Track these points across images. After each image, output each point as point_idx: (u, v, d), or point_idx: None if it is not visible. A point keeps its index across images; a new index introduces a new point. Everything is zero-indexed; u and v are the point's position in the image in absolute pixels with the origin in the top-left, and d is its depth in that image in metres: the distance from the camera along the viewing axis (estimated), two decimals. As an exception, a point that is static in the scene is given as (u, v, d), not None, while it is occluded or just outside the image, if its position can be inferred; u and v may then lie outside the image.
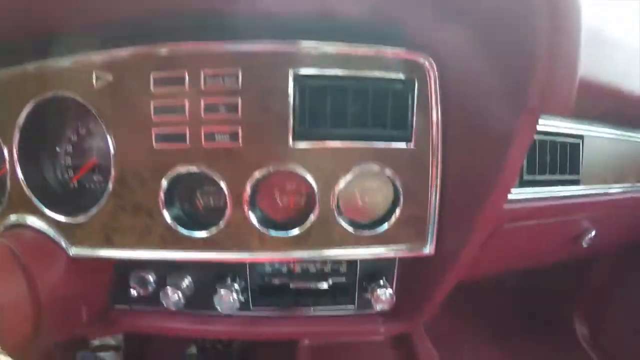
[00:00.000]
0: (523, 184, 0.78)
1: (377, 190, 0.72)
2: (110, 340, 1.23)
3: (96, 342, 1.21)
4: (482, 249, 0.82)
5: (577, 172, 0.84)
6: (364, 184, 0.72)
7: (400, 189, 0.70)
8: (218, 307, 0.77)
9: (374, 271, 0.82)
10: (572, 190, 0.84)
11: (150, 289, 0.81)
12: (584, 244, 0.94)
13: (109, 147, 0.69)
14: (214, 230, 0.70)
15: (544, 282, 1.46)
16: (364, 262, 0.81)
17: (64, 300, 0.71)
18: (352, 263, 0.82)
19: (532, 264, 1.07)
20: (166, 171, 0.68)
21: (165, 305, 0.78)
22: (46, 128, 0.76)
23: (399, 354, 0.95)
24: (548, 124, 0.79)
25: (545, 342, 1.35)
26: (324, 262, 0.81)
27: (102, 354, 1.18)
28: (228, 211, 0.69)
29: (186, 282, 0.81)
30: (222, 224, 0.69)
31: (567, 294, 1.36)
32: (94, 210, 0.71)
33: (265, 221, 0.71)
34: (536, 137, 0.78)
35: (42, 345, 0.71)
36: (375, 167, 0.69)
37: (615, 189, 0.91)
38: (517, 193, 0.77)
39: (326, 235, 0.71)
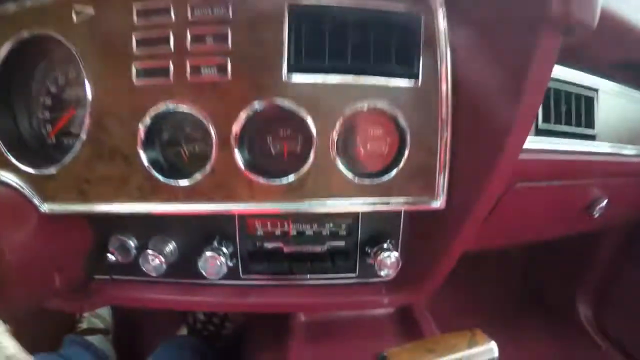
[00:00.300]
0: (539, 133, 0.67)
1: (381, 133, 0.61)
2: (99, 324, 1.08)
3: (84, 325, 1.07)
4: (492, 216, 0.70)
5: (592, 127, 0.74)
6: (366, 126, 0.60)
7: (407, 133, 0.59)
8: (203, 272, 0.64)
9: (377, 234, 0.70)
10: (588, 145, 0.73)
11: (131, 255, 0.68)
12: (595, 214, 0.83)
13: (86, 91, 0.58)
14: (197, 177, 0.58)
15: (547, 263, 1.34)
16: (366, 223, 0.69)
17: (33, 263, 0.58)
18: (352, 224, 0.69)
19: (539, 236, 0.95)
20: (146, 110, 0.57)
21: (145, 270, 0.66)
22: (23, 77, 0.65)
23: (401, 331, 0.81)
24: (563, 73, 0.69)
25: (548, 324, 1.22)
26: (322, 223, 0.69)
27: (89, 338, 1.03)
28: (213, 154, 0.58)
29: (170, 247, 0.68)
30: (206, 169, 0.58)
31: (571, 276, 1.23)
32: (67, 160, 0.59)
33: (256, 167, 0.59)
34: (551, 84, 0.68)
35: (6, 313, 0.58)
36: (378, 106, 0.58)
37: (629, 150, 0.80)
38: (533, 142, 0.66)
39: (324, 183, 0.59)
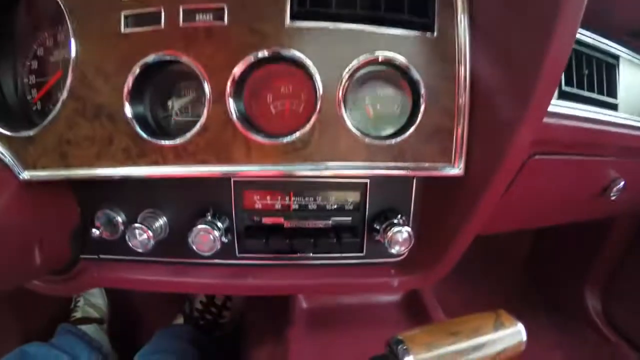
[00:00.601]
0: (562, 95, 0.57)
1: (393, 90, 0.51)
2: (94, 313, 0.97)
3: (78, 314, 0.96)
4: (508, 194, 0.60)
5: (615, 96, 0.65)
6: (376, 81, 0.51)
7: (421, 89, 0.49)
8: (194, 247, 0.54)
9: (386, 209, 0.59)
10: (610, 115, 0.63)
11: (118, 231, 0.59)
12: (612, 196, 0.72)
13: (71, 46, 0.49)
14: (188, 135, 0.48)
15: (553, 256, 1.21)
16: (374, 196, 0.59)
17: (10, 236, 0.49)
18: (360, 197, 0.59)
19: (553, 219, 0.84)
20: (134, 61, 0.48)
21: (131, 246, 0.56)
22: (8, 40, 0.56)
23: (409, 318, 0.70)
24: (584, 38, 0.60)
25: (556, 317, 1.11)
26: (326, 197, 0.58)
27: (83, 327, 0.92)
28: (206, 109, 0.48)
29: (160, 222, 0.58)
30: (198, 126, 0.48)
31: (578, 268, 1.12)
32: (48, 120, 0.50)
33: (253, 127, 0.49)
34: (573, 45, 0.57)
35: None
36: (389, 58, 0.48)
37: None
38: (557, 105, 0.56)
39: (330, 144, 0.49)
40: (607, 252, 1.03)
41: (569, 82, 0.59)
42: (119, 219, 0.59)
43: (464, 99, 0.50)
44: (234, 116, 0.47)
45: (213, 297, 1.04)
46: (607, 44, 0.63)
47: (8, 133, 0.51)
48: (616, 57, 0.65)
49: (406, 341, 0.41)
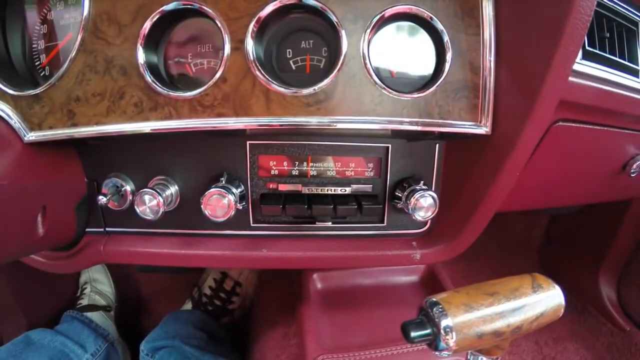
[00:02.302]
0: (585, 56, 0.53)
1: (418, 42, 0.46)
2: (101, 301, 0.91)
3: (84, 302, 0.90)
4: (529, 165, 0.55)
5: (637, 62, 0.60)
6: (402, 35, 0.46)
7: (446, 38, 0.44)
8: (207, 212, 0.48)
9: (408, 175, 0.54)
10: (632, 80, 0.58)
11: (126, 200, 0.53)
12: (632, 173, 0.67)
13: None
14: (204, 87, 0.43)
15: (566, 244, 1.14)
16: (396, 161, 0.53)
17: (12, 201, 0.43)
18: (380, 162, 0.53)
19: (571, 197, 0.78)
20: (150, 10, 0.43)
21: (139, 213, 0.49)
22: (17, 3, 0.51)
23: (424, 295, 0.65)
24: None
25: (569, 306, 1.01)
26: (345, 161, 0.53)
27: (90, 314, 0.86)
28: (225, 57, 0.43)
29: (170, 190, 0.52)
30: (217, 76, 0.43)
31: (592, 257, 1.05)
32: (56, 76, 0.45)
33: (273, 72, 0.44)
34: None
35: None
36: (414, 10, 0.44)
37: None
38: (582, 64, 0.52)
39: (355, 97, 0.44)
40: (622, 239, 0.96)
41: (591, 44, 0.55)
42: (128, 188, 0.53)
43: (489, 54, 0.45)
44: (253, 63, 0.42)
45: (222, 283, 0.97)
46: (627, 9, 0.58)
47: (13, 92, 0.45)
48: (635, 24, 0.60)
49: (442, 303, 0.35)
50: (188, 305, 0.94)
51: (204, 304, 0.93)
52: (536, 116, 0.45)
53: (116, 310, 0.96)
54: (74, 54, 0.45)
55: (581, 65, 0.52)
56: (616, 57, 0.57)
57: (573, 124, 0.57)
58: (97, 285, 0.97)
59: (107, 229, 0.56)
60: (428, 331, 0.34)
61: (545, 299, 0.38)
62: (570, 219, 1.09)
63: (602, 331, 0.97)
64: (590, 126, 0.60)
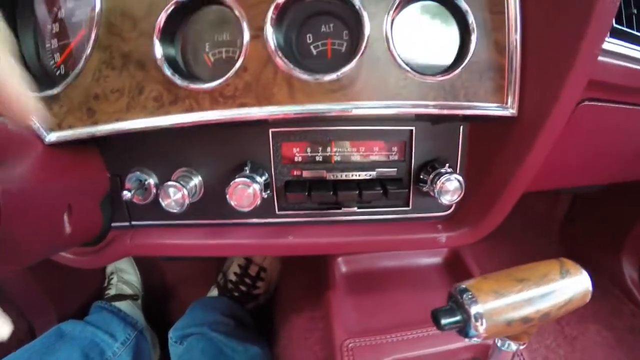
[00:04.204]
0: (613, 33, 0.49)
1: (441, 23, 0.44)
2: (128, 290, 0.93)
3: (112, 292, 0.92)
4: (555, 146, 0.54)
5: None
6: (426, 16, 0.44)
7: (470, 18, 0.42)
8: (232, 202, 0.47)
9: (433, 158, 0.52)
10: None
11: (151, 194, 0.53)
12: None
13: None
14: (225, 78, 0.42)
15: (588, 224, 1.12)
16: (420, 144, 0.52)
17: (37, 204, 0.43)
18: (405, 145, 0.52)
19: (598, 176, 0.76)
20: (164, 3, 0.41)
21: (165, 206, 0.49)
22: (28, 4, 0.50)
23: (452, 281, 0.65)
24: None
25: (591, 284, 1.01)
26: (369, 146, 0.52)
27: (118, 304, 0.89)
28: (245, 47, 0.41)
29: (195, 181, 0.52)
30: (237, 65, 0.41)
31: (615, 236, 1.03)
32: (73, 74, 0.44)
33: (294, 59, 0.43)
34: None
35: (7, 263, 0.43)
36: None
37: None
38: (610, 43, 0.48)
39: (378, 81, 0.42)
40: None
41: (619, 21, 0.51)
42: (151, 181, 0.52)
43: (515, 33, 0.43)
44: (275, 52, 0.40)
45: (247, 268, 0.98)
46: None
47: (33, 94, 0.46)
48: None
49: (472, 289, 0.35)
50: (214, 292, 0.95)
51: (229, 290, 0.94)
52: (565, 97, 0.43)
53: (143, 298, 0.97)
54: (89, 51, 0.43)
55: (609, 43, 0.49)
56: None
57: (599, 103, 0.54)
58: (124, 275, 0.98)
59: (132, 222, 0.56)
60: (458, 318, 0.34)
61: (573, 285, 0.37)
62: (593, 199, 1.06)
63: (624, 312, 0.95)
64: (617, 105, 0.57)
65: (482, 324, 0.33)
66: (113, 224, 0.57)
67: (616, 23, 0.52)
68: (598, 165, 0.68)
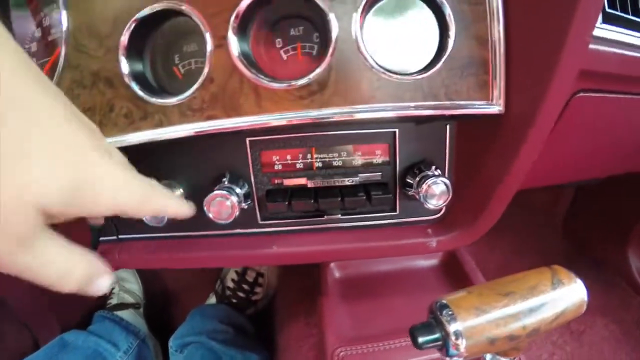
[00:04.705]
0: (606, 19, 0.46)
1: (417, 20, 0.42)
2: (129, 299, 0.94)
3: (114, 301, 0.93)
4: (549, 140, 0.51)
5: None
6: (399, 12, 0.42)
7: (447, 10, 0.40)
8: (210, 215, 0.47)
9: (419, 160, 0.50)
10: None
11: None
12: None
13: (61, 15, 0.43)
14: (191, 91, 0.41)
15: (592, 215, 1.09)
16: (404, 146, 0.50)
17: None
18: (388, 148, 0.50)
19: (597, 170, 0.72)
20: (127, 18, 0.41)
21: (145, 220, 0.49)
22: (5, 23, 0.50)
23: (449, 283, 0.63)
24: None
25: (597, 278, 0.99)
26: (351, 150, 0.50)
27: (120, 313, 0.90)
28: (208, 57, 0.40)
29: (176, 194, 0.51)
30: (202, 77, 0.40)
31: (620, 227, 0.99)
32: None
33: (261, 71, 0.41)
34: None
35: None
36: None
37: None
38: (602, 29, 0.46)
39: (350, 84, 0.40)
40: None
41: (612, 5, 0.48)
42: None
43: (497, 24, 0.40)
44: (239, 60, 0.39)
45: (244, 275, 0.97)
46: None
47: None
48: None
49: (452, 305, 0.33)
50: (212, 300, 0.95)
51: (227, 297, 0.94)
52: (554, 90, 0.40)
53: (145, 306, 0.98)
54: (59, 70, 0.43)
55: (601, 30, 0.46)
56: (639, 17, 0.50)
57: (596, 94, 0.51)
58: (125, 284, 0.99)
59: (119, 236, 0.56)
60: (437, 336, 0.32)
61: (566, 296, 0.34)
62: (597, 190, 1.02)
63: (632, 304, 0.92)
64: (615, 95, 0.54)
65: (462, 343, 0.32)
66: (101, 238, 0.57)
67: (609, 7, 0.49)
68: (597, 159, 0.65)
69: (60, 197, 0.23)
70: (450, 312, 0.32)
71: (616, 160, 0.69)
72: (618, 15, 0.49)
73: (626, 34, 0.49)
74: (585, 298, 0.35)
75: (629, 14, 0.50)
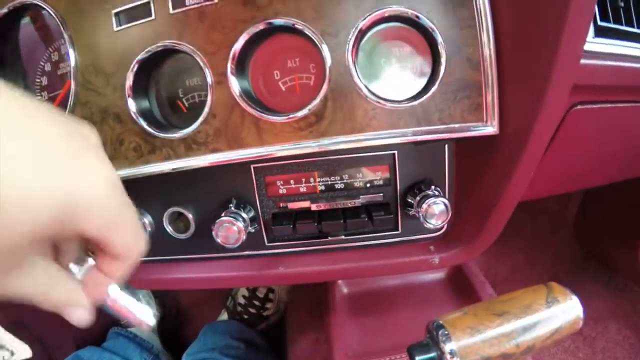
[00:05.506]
0: (599, 32, 0.48)
1: (408, 48, 0.44)
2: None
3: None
4: (548, 153, 0.52)
5: None
6: (391, 41, 0.44)
7: (438, 37, 0.42)
8: (218, 240, 0.49)
9: (419, 180, 0.52)
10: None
11: (146, 232, 0.55)
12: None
13: (69, 54, 0.46)
14: (195, 125, 0.43)
15: (601, 219, 1.09)
16: (404, 168, 0.51)
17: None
18: (389, 170, 0.52)
19: (600, 179, 0.72)
20: (132, 57, 0.43)
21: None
22: (16, 57, 0.53)
23: (456, 297, 0.64)
24: None
25: (608, 282, 0.99)
26: (352, 174, 0.52)
27: (134, 330, 0.92)
28: (210, 93, 0.43)
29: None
30: (205, 112, 0.43)
31: (632, 229, 0.99)
32: None
33: (262, 106, 0.44)
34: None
35: None
36: (397, 11, 0.41)
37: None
38: (594, 43, 0.47)
39: (346, 114, 0.43)
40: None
41: (604, 17, 0.49)
42: (146, 220, 0.55)
43: (488, 46, 0.42)
44: (238, 96, 0.42)
45: (255, 291, 0.99)
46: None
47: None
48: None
49: (447, 326, 0.35)
50: (224, 316, 0.97)
51: (239, 313, 0.96)
52: (548, 107, 0.41)
53: (158, 322, 1.00)
54: (70, 107, 0.46)
55: (594, 44, 0.47)
56: (634, 27, 0.51)
57: (593, 106, 0.52)
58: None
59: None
60: (433, 355, 0.34)
61: (561, 313, 0.36)
62: (607, 192, 1.02)
63: None
64: (613, 105, 0.55)
65: (457, 362, 0.33)
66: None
67: (602, 20, 0.50)
68: (601, 166, 0.65)
69: None
70: (445, 332, 0.34)
71: (618, 167, 0.70)
72: (611, 27, 0.50)
73: (620, 45, 0.50)
74: (582, 314, 0.36)
75: (622, 24, 0.51)
